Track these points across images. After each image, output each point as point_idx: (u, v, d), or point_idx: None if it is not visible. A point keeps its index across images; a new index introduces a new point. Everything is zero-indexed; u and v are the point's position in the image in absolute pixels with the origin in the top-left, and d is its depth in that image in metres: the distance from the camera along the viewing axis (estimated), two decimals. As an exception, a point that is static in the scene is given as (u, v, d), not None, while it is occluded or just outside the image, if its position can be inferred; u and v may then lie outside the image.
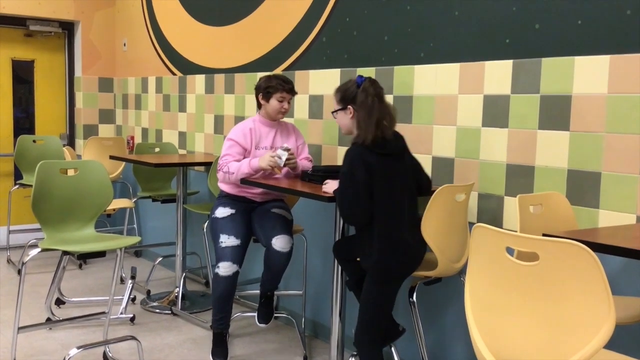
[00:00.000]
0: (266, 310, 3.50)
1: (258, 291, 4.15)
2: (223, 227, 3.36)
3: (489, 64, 2.98)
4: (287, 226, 3.42)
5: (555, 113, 2.72)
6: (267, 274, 3.42)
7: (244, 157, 3.39)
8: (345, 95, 2.76)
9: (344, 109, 2.77)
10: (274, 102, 3.39)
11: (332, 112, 2.87)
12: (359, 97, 2.68)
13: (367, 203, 2.58)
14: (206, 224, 3.93)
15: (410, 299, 2.79)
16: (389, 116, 2.69)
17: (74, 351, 3.15)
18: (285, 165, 3.23)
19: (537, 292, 1.59)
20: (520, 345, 1.63)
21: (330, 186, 2.82)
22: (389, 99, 3.43)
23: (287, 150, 3.22)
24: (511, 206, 2.89)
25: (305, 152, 3.59)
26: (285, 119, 3.66)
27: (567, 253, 1.53)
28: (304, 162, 3.49)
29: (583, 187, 2.63)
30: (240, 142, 3.40)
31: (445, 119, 3.19)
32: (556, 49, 2.72)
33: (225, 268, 3.27)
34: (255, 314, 3.51)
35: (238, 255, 3.32)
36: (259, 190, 3.43)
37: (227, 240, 3.31)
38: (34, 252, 3.10)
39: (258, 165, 3.23)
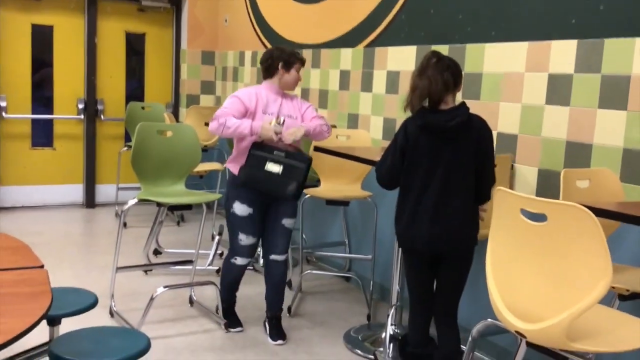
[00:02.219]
0: (279, 329, 3.54)
1: (331, 253, 4.46)
2: (242, 226, 3.40)
3: (555, 44, 3.06)
4: (288, 240, 3.52)
5: (614, 93, 2.78)
6: (270, 291, 3.55)
7: (243, 117, 3.31)
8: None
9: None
10: (293, 73, 3.39)
11: None
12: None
13: (395, 167, 2.65)
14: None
15: None
16: (425, 92, 2.60)
17: (160, 289, 3.59)
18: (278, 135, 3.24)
19: (545, 249, 1.75)
20: (528, 296, 1.81)
21: None
22: (460, 75, 3.57)
23: (282, 123, 3.23)
24: (567, 182, 2.98)
25: (314, 113, 3.49)
26: (364, 93, 3.85)
27: (572, 215, 1.68)
28: (315, 122, 3.40)
29: (636, 165, 2.69)
30: (244, 101, 3.31)
31: (511, 96, 3.30)
32: (619, 29, 2.77)
33: (242, 261, 3.47)
34: (268, 336, 3.52)
35: (254, 250, 3.50)
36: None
37: (246, 240, 3.41)
38: (132, 202, 3.54)
39: (259, 131, 3.22)
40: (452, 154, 2.59)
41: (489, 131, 2.66)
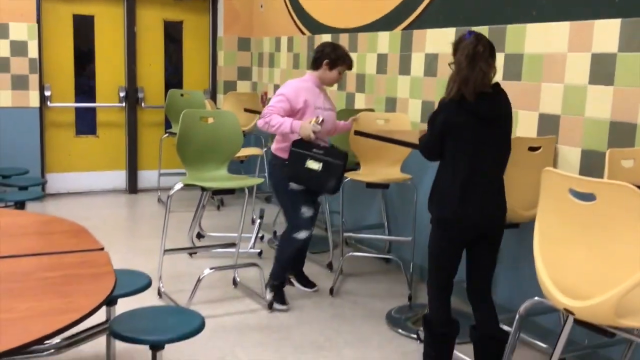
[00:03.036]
0: (307, 279, 4.06)
1: (370, 235, 4.54)
2: (302, 199, 3.62)
3: (598, 23, 3.04)
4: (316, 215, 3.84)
5: (660, 71, 2.76)
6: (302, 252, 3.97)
7: (289, 115, 3.55)
8: (454, 49, 2.72)
9: (453, 62, 2.74)
10: (335, 73, 3.64)
11: (449, 64, 2.82)
12: (458, 52, 2.68)
13: (437, 146, 2.68)
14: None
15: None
16: (472, 80, 2.59)
17: (207, 271, 3.70)
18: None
19: (593, 229, 1.78)
20: (577, 275, 1.84)
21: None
22: (501, 57, 3.57)
23: (321, 123, 3.45)
24: (611, 162, 2.98)
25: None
26: (402, 77, 3.89)
27: (621, 195, 1.70)
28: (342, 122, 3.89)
29: (683, 144, 2.68)
30: (290, 99, 3.55)
31: (553, 76, 3.29)
32: (664, 7, 2.74)
33: (306, 233, 3.67)
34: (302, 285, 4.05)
35: (314, 222, 3.74)
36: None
37: (308, 212, 3.65)
38: (178, 186, 3.64)
39: (299, 130, 3.45)
40: (497, 135, 2.67)
41: (510, 105, 2.76)
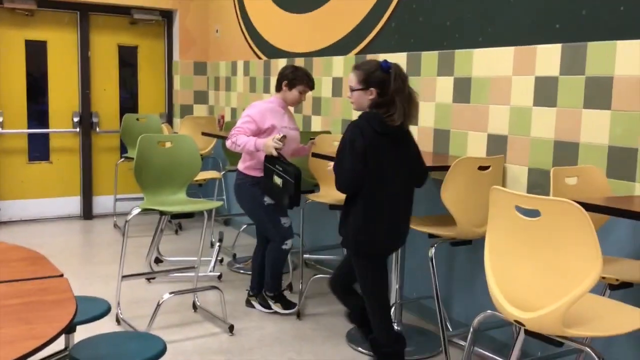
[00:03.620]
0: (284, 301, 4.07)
1: (328, 256, 4.61)
2: (278, 211, 3.84)
3: (541, 48, 3.20)
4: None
5: (598, 93, 2.92)
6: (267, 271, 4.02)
7: (256, 135, 3.72)
8: (369, 78, 2.80)
9: (365, 89, 2.82)
10: (295, 93, 3.83)
11: (351, 90, 2.90)
12: (393, 84, 2.75)
13: (362, 171, 2.73)
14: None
15: (430, 255, 3.13)
16: (414, 103, 2.82)
17: (166, 296, 3.68)
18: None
19: (539, 243, 1.88)
20: (525, 287, 1.93)
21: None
22: (450, 80, 3.71)
23: (283, 138, 3.58)
24: (557, 180, 3.12)
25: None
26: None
27: (564, 211, 1.81)
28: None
29: (621, 161, 2.83)
30: (256, 120, 3.75)
31: (500, 98, 3.43)
32: (600, 33, 2.91)
33: (290, 243, 3.90)
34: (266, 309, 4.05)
35: (292, 231, 3.93)
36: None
37: (287, 221, 3.87)
38: (135, 211, 3.64)
39: (262, 147, 3.60)
40: (404, 154, 2.88)
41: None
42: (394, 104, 2.75)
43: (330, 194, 4.20)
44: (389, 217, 2.83)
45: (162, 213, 3.69)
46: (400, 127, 2.82)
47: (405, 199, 2.92)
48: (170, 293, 3.73)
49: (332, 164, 2.91)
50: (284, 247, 3.87)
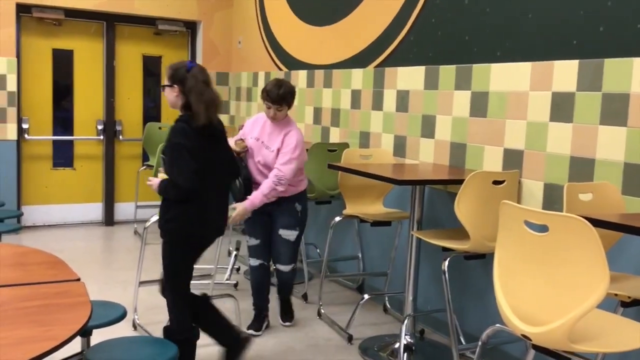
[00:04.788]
0: (287, 311, 4.08)
1: (347, 273, 4.64)
2: (247, 229, 3.90)
3: (558, 63, 3.21)
4: (290, 251, 3.86)
5: (615, 110, 2.92)
6: (278, 285, 4.05)
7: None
8: (175, 75, 2.94)
9: (170, 86, 2.95)
10: (264, 107, 3.72)
11: (161, 86, 3.12)
12: (188, 81, 2.88)
13: (192, 170, 2.84)
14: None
15: (443, 268, 3.13)
16: (216, 102, 2.95)
17: (183, 303, 3.73)
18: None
19: (547, 258, 1.89)
20: (533, 302, 1.94)
21: (155, 181, 3.02)
22: (467, 94, 3.73)
23: (240, 142, 3.75)
24: (572, 195, 3.11)
25: (280, 160, 3.65)
26: (375, 112, 4.00)
27: (571, 226, 1.82)
28: (265, 187, 3.59)
29: (637, 178, 2.82)
30: (245, 127, 3.88)
31: (516, 113, 3.44)
32: (618, 50, 2.91)
33: (252, 261, 3.91)
34: (279, 316, 4.08)
35: (259, 252, 3.87)
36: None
37: (250, 241, 3.89)
38: (154, 218, 3.70)
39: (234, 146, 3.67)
40: (222, 154, 3.08)
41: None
42: (191, 104, 2.89)
43: (357, 208, 4.16)
44: (209, 212, 2.98)
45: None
46: (217, 126, 3.01)
47: (223, 194, 3.13)
48: (186, 300, 3.78)
49: (152, 178, 3.07)
50: (249, 262, 3.95)
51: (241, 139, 3.78)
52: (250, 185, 3.67)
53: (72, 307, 2.01)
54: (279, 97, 3.65)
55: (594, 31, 3.02)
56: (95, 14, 6.36)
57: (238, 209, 3.53)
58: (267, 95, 3.66)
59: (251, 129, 3.82)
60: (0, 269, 2.45)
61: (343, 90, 4.92)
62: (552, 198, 3.23)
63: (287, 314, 4.08)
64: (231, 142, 3.54)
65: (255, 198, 3.58)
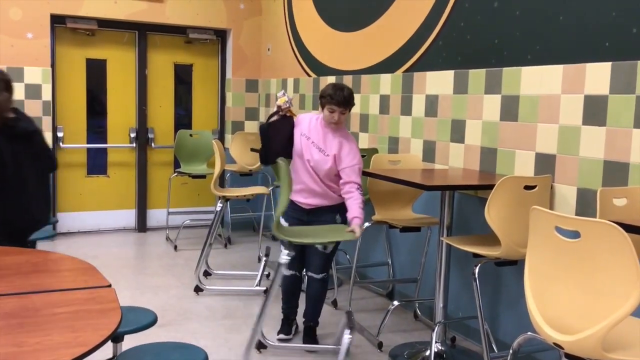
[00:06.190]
0: (310, 339, 3.82)
1: (377, 280, 4.56)
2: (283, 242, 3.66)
3: (590, 66, 3.15)
4: (324, 261, 3.73)
5: (649, 112, 2.85)
6: (307, 303, 3.84)
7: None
8: None
9: None
10: (325, 112, 3.58)
11: None
12: None
13: None
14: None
15: (473, 274, 3.10)
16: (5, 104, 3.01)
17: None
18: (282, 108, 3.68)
19: (579, 265, 1.85)
20: (565, 310, 1.90)
21: None
22: (497, 98, 3.68)
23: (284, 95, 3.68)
24: (606, 200, 3.05)
25: (348, 162, 3.58)
26: (404, 117, 3.98)
27: (603, 232, 1.78)
28: (355, 205, 3.52)
29: (673, 183, 2.75)
30: (300, 122, 3.74)
31: (548, 117, 3.39)
32: (652, 51, 2.85)
33: (286, 271, 3.76)
34: (302, 342, 3.85)
35: (294, 263, 3.68)
36: (307, 200, 3.69)
37: (284, 253, 3.60)
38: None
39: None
40: (32, 151, 3.19)
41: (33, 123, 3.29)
42: None
43: (386, 214, 4.13)
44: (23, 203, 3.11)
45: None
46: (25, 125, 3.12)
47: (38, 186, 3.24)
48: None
49: None
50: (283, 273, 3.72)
51: (284, 92, 3.72)
52: (268, 154, 3.70)
53: (102, 313, 2.04)
54: (345, 99, 3.54)
55: (627, 33, 2.96)
56: (127, 24, 6.46)
57: (356, 230, 3.39)
58: (331, 99, 3.54)
59: (306, 125, 3.70)
60: (33, 275, 2.50)
61: (372, 96, 4.91)
62: (586, 203, 3.17)
63: (310, 338, 3.85)
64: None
65: (359, 213, 3.49)
